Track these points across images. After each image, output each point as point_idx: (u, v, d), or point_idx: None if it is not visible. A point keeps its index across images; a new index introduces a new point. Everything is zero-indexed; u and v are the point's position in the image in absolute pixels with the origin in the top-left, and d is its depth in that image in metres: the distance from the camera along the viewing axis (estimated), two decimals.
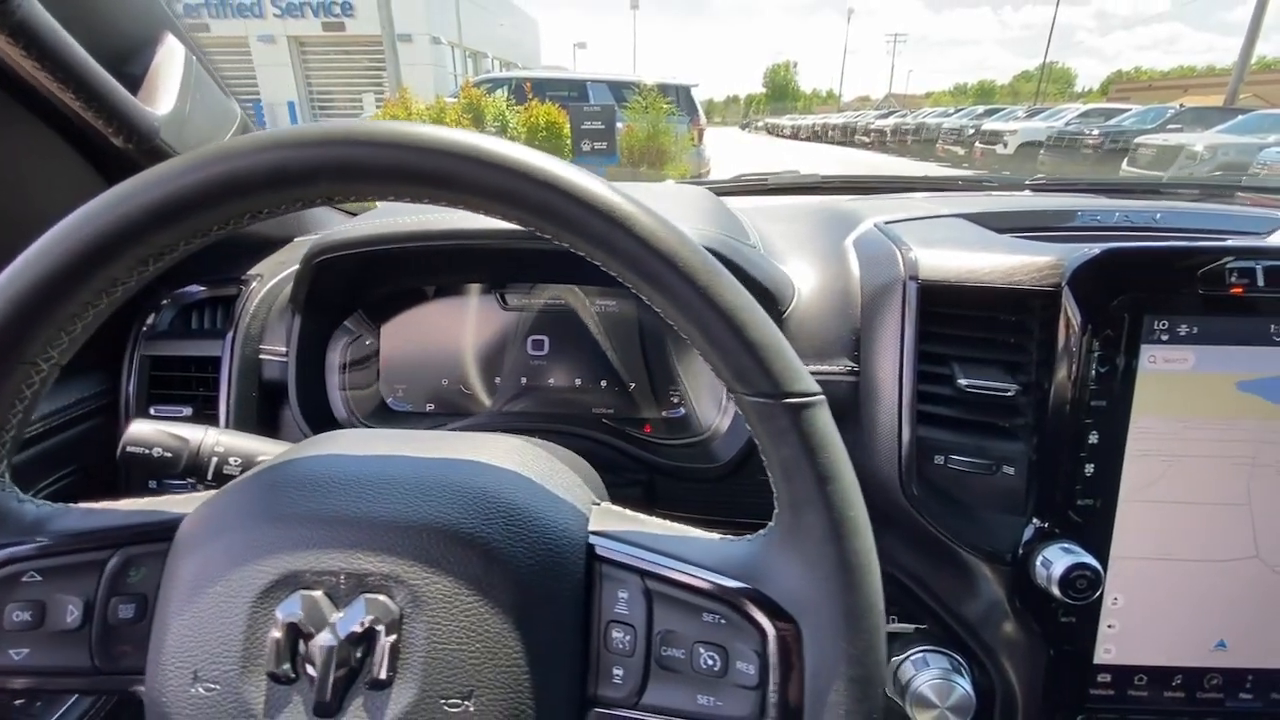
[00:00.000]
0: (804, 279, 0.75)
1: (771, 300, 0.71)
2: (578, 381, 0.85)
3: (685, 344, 0.81)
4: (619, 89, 11.25)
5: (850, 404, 0.69)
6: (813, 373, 0.70)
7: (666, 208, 0.39)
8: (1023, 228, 0.75)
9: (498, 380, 0.85)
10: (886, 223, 0.77)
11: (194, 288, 0.83)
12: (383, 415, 0.86)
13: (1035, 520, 0.61)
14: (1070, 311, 0.58)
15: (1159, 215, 0.80)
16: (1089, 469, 0.59)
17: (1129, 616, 0.62)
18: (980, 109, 24.20)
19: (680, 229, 0.35)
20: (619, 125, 9.39)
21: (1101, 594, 0.61)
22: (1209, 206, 1.01)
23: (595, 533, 0.40)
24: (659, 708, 0.36)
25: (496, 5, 27.57)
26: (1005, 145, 17.23)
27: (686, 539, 0.39)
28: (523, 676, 0.34)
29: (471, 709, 0.33)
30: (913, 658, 0.66)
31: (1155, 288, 0.57)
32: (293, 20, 20.46)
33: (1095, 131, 15.09)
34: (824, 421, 0.34)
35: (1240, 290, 0.56)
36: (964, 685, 0.64)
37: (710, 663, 0.35)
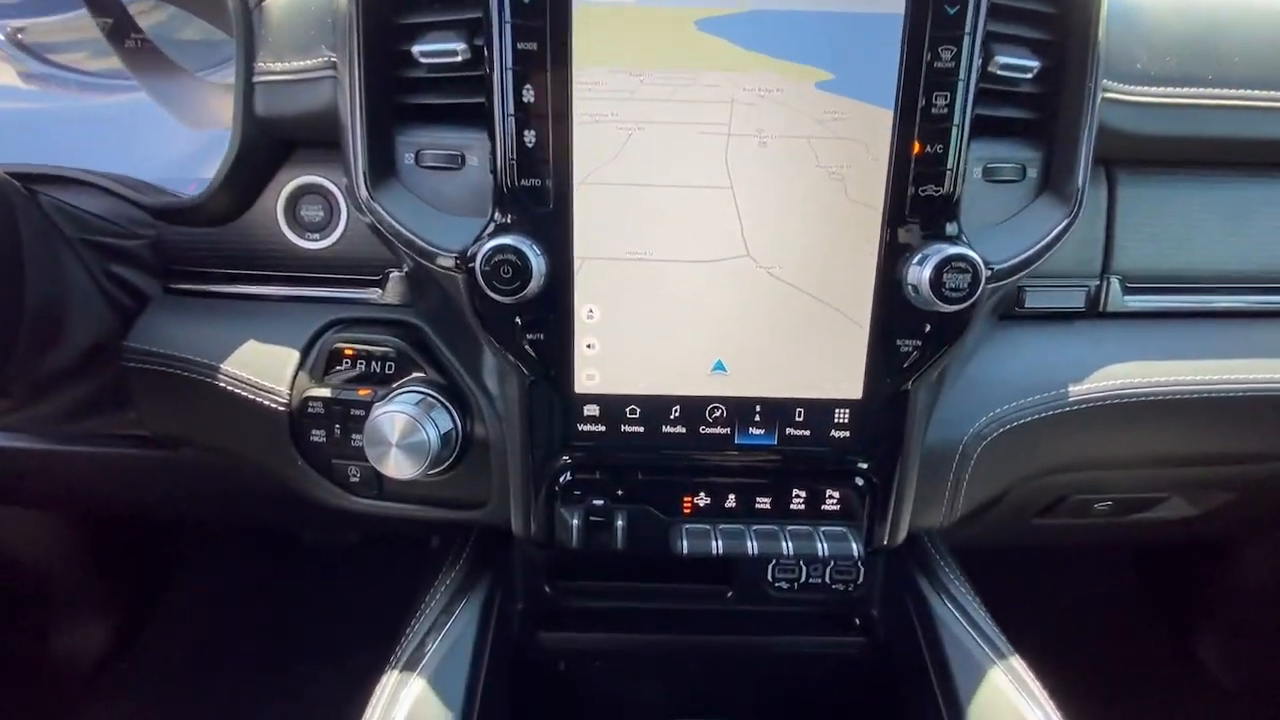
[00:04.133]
0: None
1: None
2: None
3: None
4: None
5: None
6: (288, 70, 0.58)
7: None
8: None
9: None
10: None
11: None
12: None
13: (495, 216, 0.51)
14: None
15: None
16: (530, 138, 0.48)
17: (610, 334, 0.52)
18: None
19: None
20: None
21: (570, 300, 0.51)
22: None
23: None
24: None
25: None
26: None
27: None
28: None
29: None
30: (390, 399, 0.56)
31: None
32: None
33: None
34: None
35: None
36: (429, 428, 0.54)
37: None
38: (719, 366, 0.54)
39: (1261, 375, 0.63)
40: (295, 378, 0.59)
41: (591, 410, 0.54)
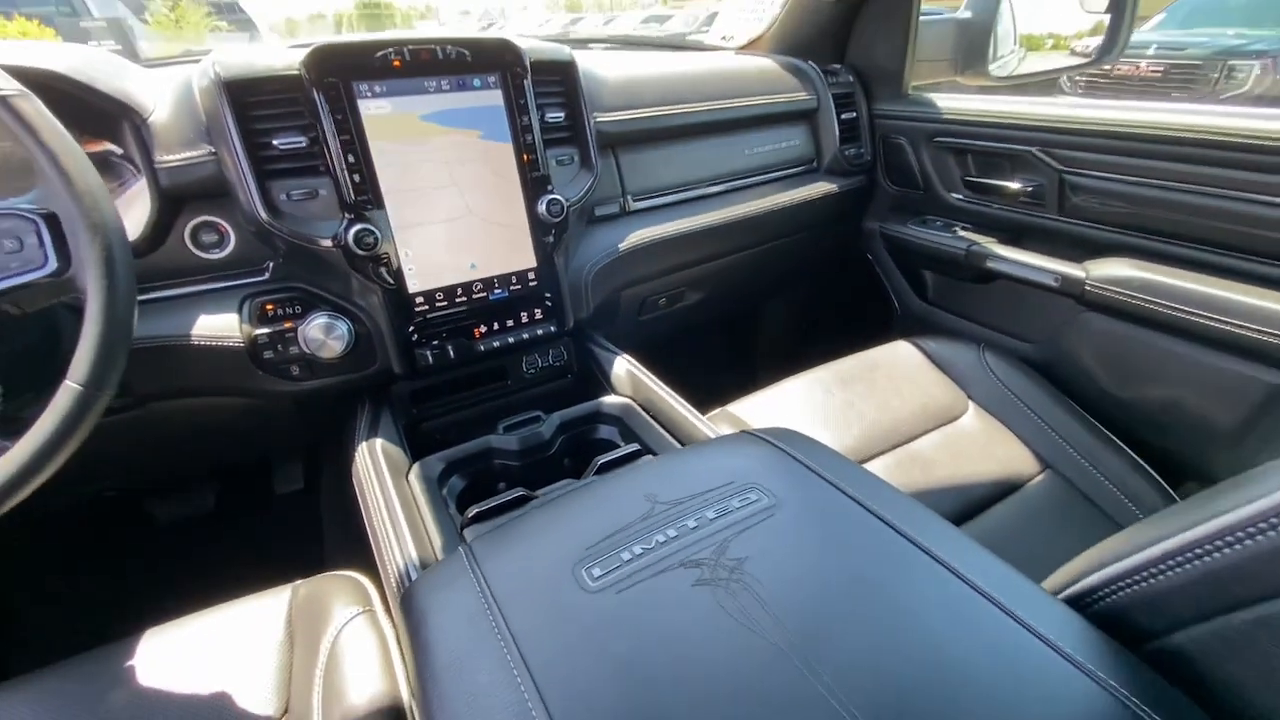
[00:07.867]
0: (166, 92, 1.03)
1: (130, 110, 0.98)
2: None
3: None
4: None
5: (222, 180, 1.03)
6: (183, 159, 1.01)
7: None
8: None
9: None
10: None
11: None
12: None
13: (346, 216, 1.06)
14: (308, 85, 0.99)
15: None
16: (356, 178, 1.04)
17: (419, 260, 1.13)
18: None
19: None
20: (142, 44, 7.69)
21: (395, 248, 1.10)
22: None
23: None
24: None
25: None
26: None
27: None
28: None
29: None
30: (310, 321, 1.08)
31: (354, 66, 1.02)
32: None
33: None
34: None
35: (399, 64, 1.05)
36: (342, 326, 1.08)
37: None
38: (472, 266, 1.18)
39: (703, 222, 1.52)
40: (241, 328, 1.05)
41: (419, 300, 1.14)
